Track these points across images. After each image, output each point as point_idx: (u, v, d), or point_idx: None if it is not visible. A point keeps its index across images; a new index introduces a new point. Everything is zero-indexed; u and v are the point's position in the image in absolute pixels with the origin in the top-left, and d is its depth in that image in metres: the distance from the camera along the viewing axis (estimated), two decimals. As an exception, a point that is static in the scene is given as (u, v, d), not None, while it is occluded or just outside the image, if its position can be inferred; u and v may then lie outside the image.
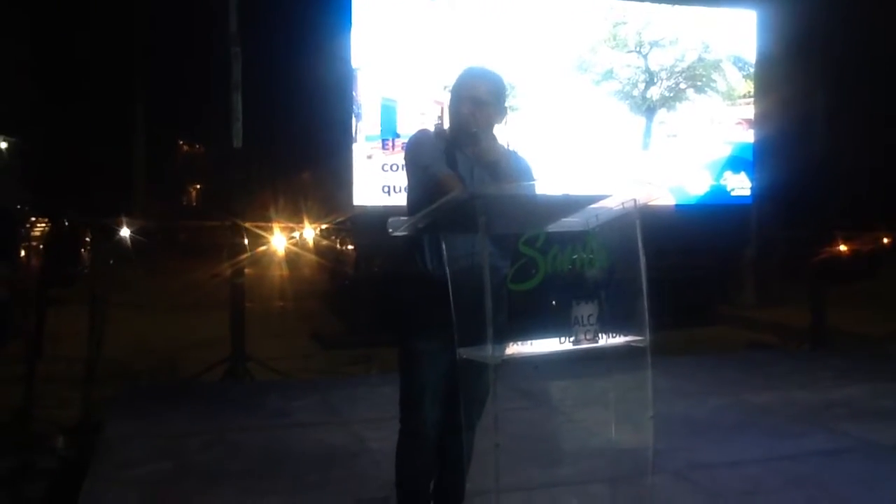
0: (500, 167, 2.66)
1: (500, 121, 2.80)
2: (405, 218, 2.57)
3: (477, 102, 2.71)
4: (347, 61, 6.86)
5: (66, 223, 13.28)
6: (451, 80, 2.85)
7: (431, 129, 2.95)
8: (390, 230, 2.58)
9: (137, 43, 20.51)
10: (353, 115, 6.91)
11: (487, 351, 2.29)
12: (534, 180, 2.70)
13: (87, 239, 14.21)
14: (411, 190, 2.79)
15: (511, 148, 2.81)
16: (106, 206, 18.24)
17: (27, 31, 17.08)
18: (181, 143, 32.52)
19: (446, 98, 2.92)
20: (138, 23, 20.07)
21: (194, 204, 34.20)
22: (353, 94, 6.90)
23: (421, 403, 2.68)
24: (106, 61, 20.39)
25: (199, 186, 35.17)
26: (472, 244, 2.51)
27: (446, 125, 2.91)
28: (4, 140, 17.78)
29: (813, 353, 7.28)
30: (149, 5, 19.37)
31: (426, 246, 2.66)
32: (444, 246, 2.58)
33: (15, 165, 17.51)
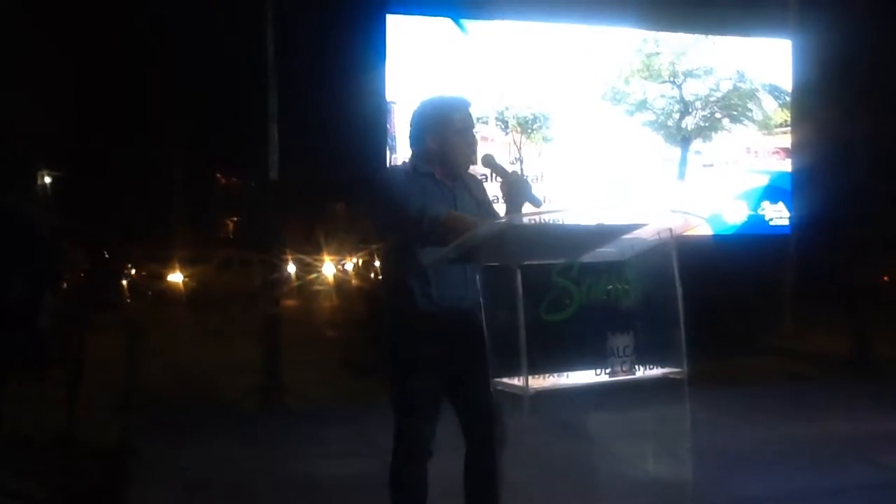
0: (516, 185, 2.67)
1: None
2: (436, 249, 2.56)
3: (470, 132, 2.75)
4: (382, 94, 6.95)
5: (107, 254, 13.57)
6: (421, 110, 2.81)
7: (400, 163, 2.93)
8: (423, 261, 2.60)
9: (176, 76, 21.02)
10: (388, 148, 6.98)
11: (521, 382, 2.28)
12: (532, 196, 2.68)
13: (127, 269, 14.50)
14: (392, 228, 2.69)
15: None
16: (146, 238, 18.63)
17: (67, 66, 17.61)
18: (219, 175, 33.09)
19: (482, 129, 2.93)
20: (177, 58, 20.59)
21: (231, 236, 34.70)
22: (388, 126, 6.97)
23: (411, 431, 2.73)
24: (145, 95, 20.92)
25: (235, 218, 35.69)
26: (464, 277, 2.60)
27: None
28: (49, 174, 18.29)
29: (856, 385, 7.10)
30: (187, 39, 19.87)
31: (416, 282, 2.65)
32: (434, 279, 2.63)
33: (56, 196, 17.98)
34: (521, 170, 6.87)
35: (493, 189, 2.82)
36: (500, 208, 2.78)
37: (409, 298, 2.65)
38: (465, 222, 2.51)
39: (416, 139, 2.78)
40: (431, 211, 2.57)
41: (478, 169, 2.85)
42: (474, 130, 2.79)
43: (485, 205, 2.83)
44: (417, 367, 2.65)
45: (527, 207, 2.66)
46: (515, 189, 2.65)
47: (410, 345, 2.66)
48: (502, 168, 2.74)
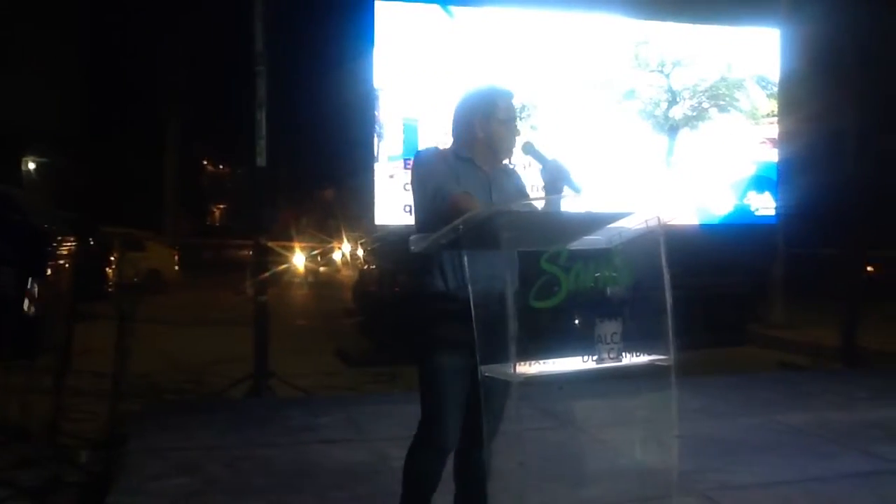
0: (557, 172, 2.70)
1: None
2: (426, 235, 2.57)
3: (513, 121, 2.78)
4: (370, 82, 6.94)
5: (93, 241, 13.48)
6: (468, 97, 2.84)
7: (440, 146, 2.93)
8: (412, 248, 2.59)
9: (166, 64, 20.87)
10: (376, 135, 6.97)
11: (510, 369, 2.29)
12: (572, 181, 2.73)
13: (114, 257, 14.42)
14: (420, 209, 2.76)
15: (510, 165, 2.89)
16: (134, 224, 18.53)
17: (61, 56, 17.45)
18: (206, 162, 32.93)
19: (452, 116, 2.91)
20: (166, 44, 20.43)
21: (218, 223, 34.56)
22: (376, 114, 6.96)
23: (444, 419, 2.69)
24: (135, 83, 20.76)
25: (223, 205, 35.56)
26: (490, 261, 2.53)
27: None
28: (35, 160, 18.14)
29: (846, 373, 7.16)
30: (177, 27, 19.71)
31: (445, 264, 2.67)
32: (464, 263, 2.58)
33: (46, 185, 17.84)
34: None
35: (532, 176, 2.87)
36: (539, 195, 2.82)
37: (444, 281, 2.66)
38: (472, 204, 2.51)
39: (461, 126, 2.82)
40: (444, 190, 2.60)
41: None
42: (514, 116, 2.83)
43: (523, 193, 2.87)
44: (452, 350, 2.60)
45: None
46: (555, 175, 2.69)
47: (446, 328, 2.62)
48: (542, 155, 2.75)
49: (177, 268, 19.14)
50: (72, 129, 18.57)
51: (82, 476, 4.28)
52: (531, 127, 7.21)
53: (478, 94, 2.82)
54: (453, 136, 2.85)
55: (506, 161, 2.87)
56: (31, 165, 18.04)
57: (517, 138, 2.82)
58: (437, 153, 2.82)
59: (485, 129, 2.76)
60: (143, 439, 4.59)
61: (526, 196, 2.89)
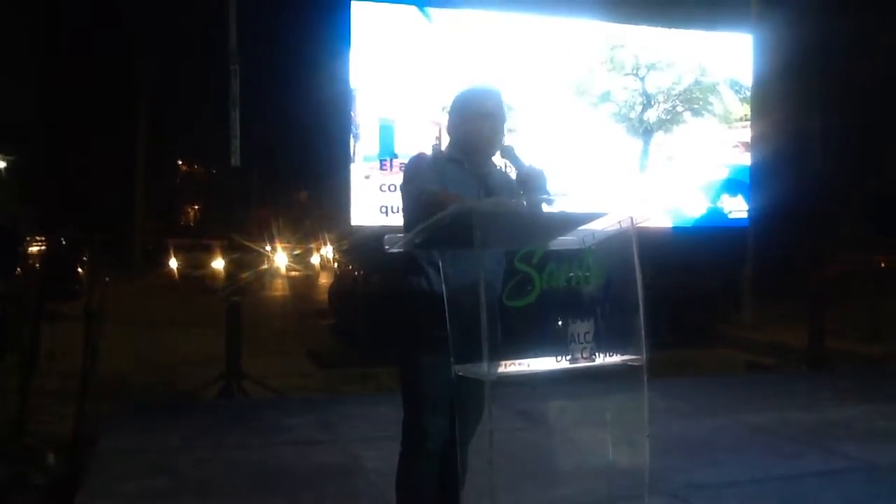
0: (531, 178, 2.64)
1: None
2: (401, 235, 2.56)
3: (491, 118, 2.73)
4: (346, 82, 6.90)
5: (63, 240, 13.30)
6: (450, 100, 2.84)
7: (428, 151, 2.91)
8: (386, 247, 2.58)
9: (137, 61, 20.65)
10: (352, 136, 6.93)
11: (483, 368, 2.28)
12: (547, 191, 2.66)
13: (84, 257, 14.23)
14: (407, 212, 2.74)
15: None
16: (105, 224, 18.29)
17: (29, 50, 17.20)
18: (180, 161, 32.62)
19: (445, 119, 2.91)
20: (138, 41, 20.21)
21: (192, 223, 34.26)
22: (352, 114, 6.93)
23: (425, 420, 2.63)
24: (106, 80, 20.51)
25: (196, 205, 35.25)
26: (473, 259, 2.47)
27: (443, 146, 2.91)
28: (3, 158, 17.85)
29: (811, 374, 7.27)
30: (149, 24, 19.52)
31: (426, 263, 2.64)
32: (441, 262, 2.57)
33: (14, 183, 17.57)
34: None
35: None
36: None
37: (427, 281, 2.62)
38: (451, 200, 2.46)
39: (449, 127, 2.83)
40: (426, 191, 2.57)
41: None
42: (498, 113, 2.77)
43: (514, 193, 2.73)
44: (434, 349, 2.51)
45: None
46: (530, 183, 2.63)
47: (428, 327, 2.54)
48: (520, 160, 2.71)
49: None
50: (41, 127, 18.29)
51: (49, 477, 4.21)
52: (507, 130, 7.21)
53: (461, 94, 2.82)
54: (449, 138, 2.86)
55: (498, 163, 2.82)
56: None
57: (499, 137, 2.76)
58: (425, 157, 2.79)
59: (459, 126, 2.76)
60: (112, 440, 4.53)
61: (517, 196, 2.75)
